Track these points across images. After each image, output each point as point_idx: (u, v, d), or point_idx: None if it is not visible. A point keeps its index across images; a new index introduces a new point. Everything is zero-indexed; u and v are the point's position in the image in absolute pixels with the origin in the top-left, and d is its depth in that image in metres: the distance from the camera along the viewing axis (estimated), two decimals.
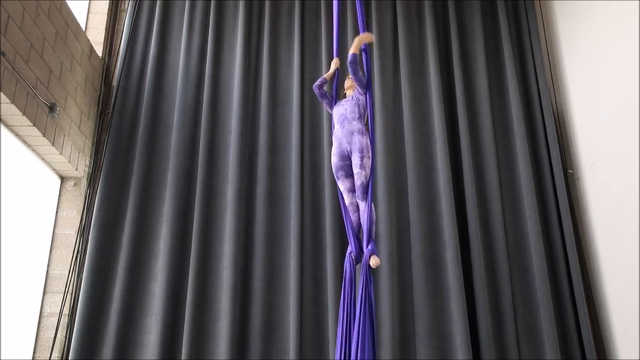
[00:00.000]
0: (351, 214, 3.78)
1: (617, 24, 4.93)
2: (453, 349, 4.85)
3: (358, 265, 3.64)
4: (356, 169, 3.70)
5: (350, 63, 3.83)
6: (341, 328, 3.44)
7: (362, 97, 3.90)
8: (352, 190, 3.79)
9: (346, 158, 3.79)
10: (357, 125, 3.81)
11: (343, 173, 3.81)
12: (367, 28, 6.15)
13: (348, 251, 3.70)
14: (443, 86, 5.90)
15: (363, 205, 3.68)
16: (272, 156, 5.60)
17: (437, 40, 6.07)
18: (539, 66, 5.99)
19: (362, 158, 3.70)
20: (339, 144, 3.83)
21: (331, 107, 4.09)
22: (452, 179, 5.44)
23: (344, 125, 3.83)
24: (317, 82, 4.12)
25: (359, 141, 3.74)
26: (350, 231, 3.71)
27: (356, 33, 6.02)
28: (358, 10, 4.17)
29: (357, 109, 3.86)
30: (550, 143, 5.64)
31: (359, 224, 3.76)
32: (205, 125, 5.59)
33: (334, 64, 4.20)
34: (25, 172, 4.86)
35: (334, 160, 3.84)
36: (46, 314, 4.99)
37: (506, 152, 5.74)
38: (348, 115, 3.85)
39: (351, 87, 4.03)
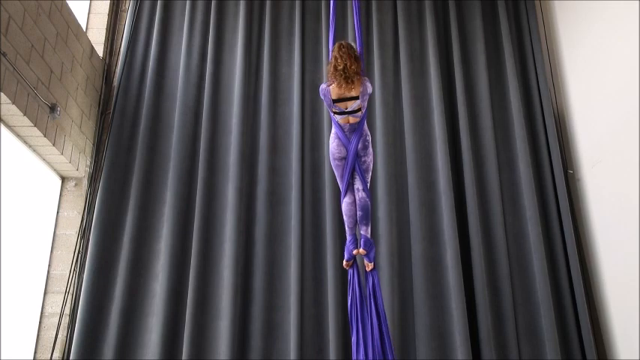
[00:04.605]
0: None
1: (618, 24, 4.92)
2: (453, 349, 4.85)
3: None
4: None
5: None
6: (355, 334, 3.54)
7: None
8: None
9: None
10: None
11: None
12: (368, 28, 6.21)
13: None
14: (443, 86, 5.89)
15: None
16: (273, 156, 5.60)
17: (437, 41, 6.06)
18: (539, 66, 5.98)
19: None
20: None
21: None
22: (452, 179, 5.43)
23: None
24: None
25: None
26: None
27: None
28: (355, 12, 4.20)
29: None
30: (550, 144, 5.64)
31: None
32: (206, 125, 5.60)
33: None
34: (26, 173, 4.86)
35: None
36: (46, 314, 5.00)
37: (507, 153, 5.73)
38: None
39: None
